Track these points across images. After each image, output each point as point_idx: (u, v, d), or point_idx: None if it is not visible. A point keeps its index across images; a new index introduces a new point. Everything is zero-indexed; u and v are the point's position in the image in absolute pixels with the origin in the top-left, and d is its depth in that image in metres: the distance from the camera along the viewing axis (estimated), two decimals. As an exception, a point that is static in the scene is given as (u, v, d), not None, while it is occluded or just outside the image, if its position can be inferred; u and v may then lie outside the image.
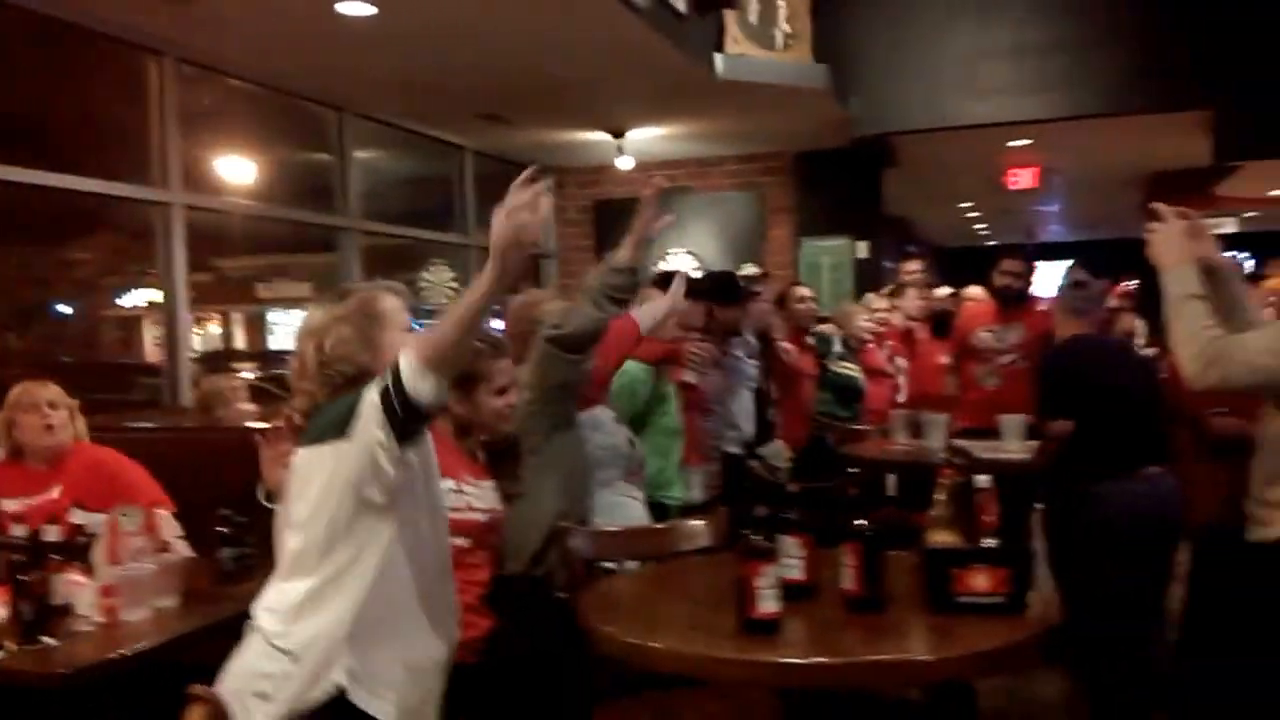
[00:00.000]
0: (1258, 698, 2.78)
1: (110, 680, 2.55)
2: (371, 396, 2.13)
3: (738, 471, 5.12)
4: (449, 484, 2.71)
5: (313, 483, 2.22)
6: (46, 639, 2.58)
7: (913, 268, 7.10)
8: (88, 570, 2.82)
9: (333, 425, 2.18)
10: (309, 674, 2.17)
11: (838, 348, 6.30)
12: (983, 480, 2.40)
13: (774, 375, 5.81)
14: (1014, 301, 5.48)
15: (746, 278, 6.55)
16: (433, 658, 2.35)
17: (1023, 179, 10.24)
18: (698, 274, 8.40)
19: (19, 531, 2.87)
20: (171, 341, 5.93)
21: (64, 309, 7.48)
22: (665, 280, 4.21)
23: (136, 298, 8.92)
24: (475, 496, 2.89)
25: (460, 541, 2.70)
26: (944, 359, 6.14)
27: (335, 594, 2.19)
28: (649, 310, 3.80)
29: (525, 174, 2.17)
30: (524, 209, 2.11)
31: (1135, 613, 4.02)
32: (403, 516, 2.25)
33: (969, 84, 7.96)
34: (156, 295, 8.56)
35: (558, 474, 3.22)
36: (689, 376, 4.39)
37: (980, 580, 2.24)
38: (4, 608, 2.66)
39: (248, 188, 6.91)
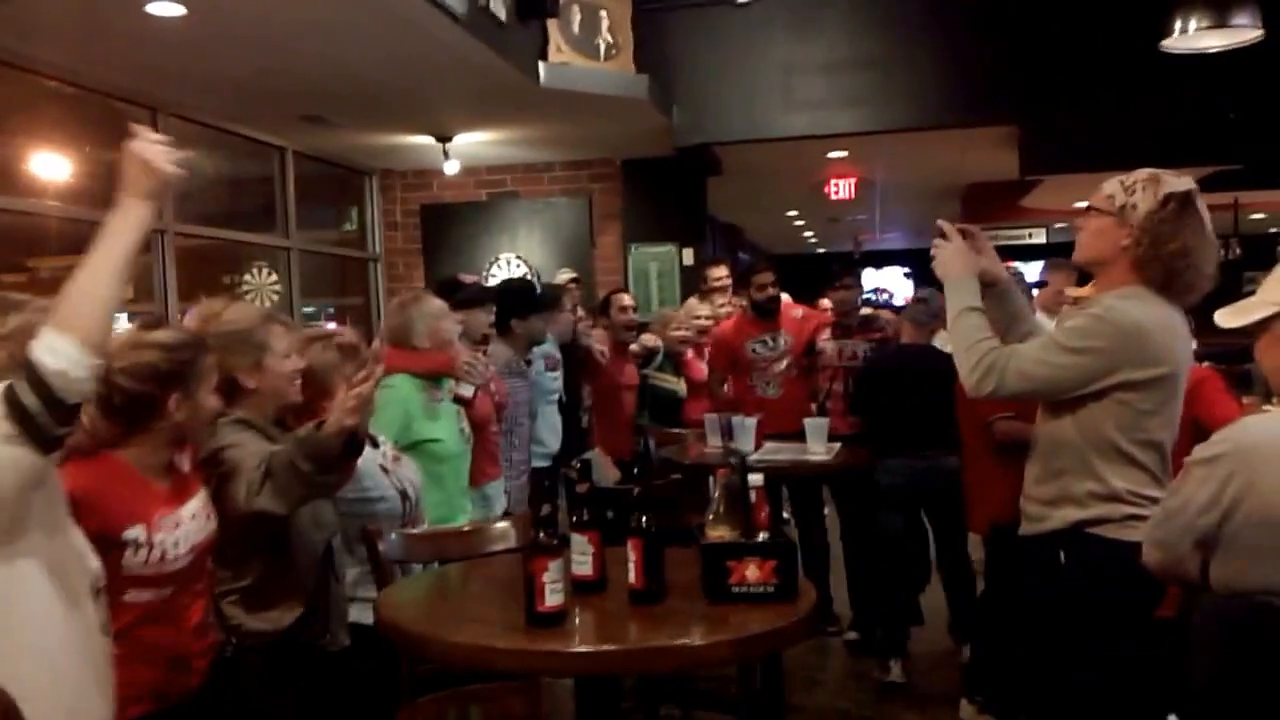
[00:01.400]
0: (1044, 676, 3.02)
1: None
2: None
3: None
4: (137, 532, 2.35)
5: None
6: None
7: (719, 273, 7.24)
8: None
9: None
10: None
11: (658, 360, 6.36)
12: (755, 479, 2.55)
13: (590, 385, 5.88)
14: (770, 313, 5.78)
15: (555, 285, 6.51)
16: (85, 709, 2.02)
17: (842, 189, 10.62)
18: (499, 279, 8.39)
19: None
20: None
21: None
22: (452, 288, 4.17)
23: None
24: (172, 541, 2.43)
25: (162, 593, 2.42)
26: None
27: None
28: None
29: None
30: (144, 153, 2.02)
31: (902, 556, 5.13)
32: (32, 549, 1.92)
33: (785, 96, 8.24)
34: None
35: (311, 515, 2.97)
36: (463, 390, 4.07)
37: (752, 571, 2.39)
38: None
39: (61, 187, 6.67)
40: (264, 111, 7.46)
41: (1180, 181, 2.66)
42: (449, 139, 8.41)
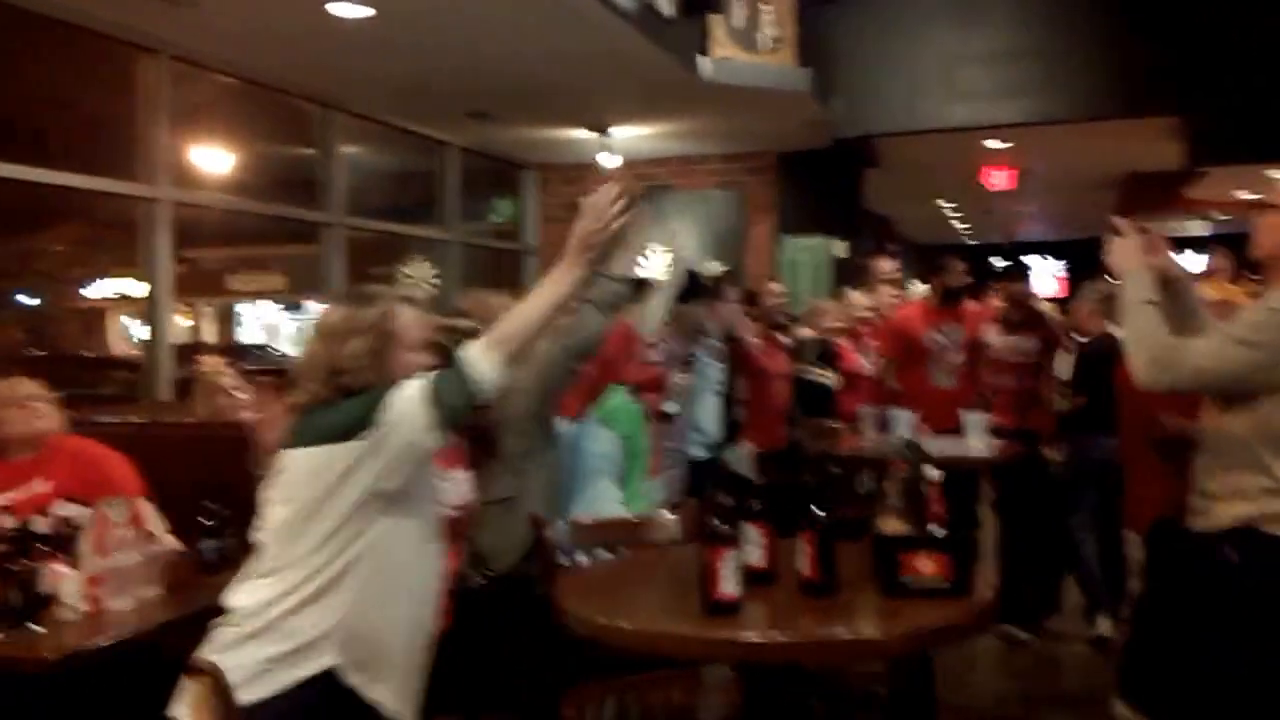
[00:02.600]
0: (1205, 676, 2.92)
1: (95, 666, 2.62)
2: (410, 394, 2.26)
3: (703, 475, 5.20)
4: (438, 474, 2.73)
5: (314, 482, 2.28)
6: (33, 626, 2.66)
7: (887, 266, 7.20)
8: (73, 561, 2.89)
9: (343, 427, 2.27)
10: (296, 657, 2.24)
11: (810, 352, 6.27)
12: (931, 473, 2.54)
13: (744, 375, 5.87)
14: (958, 301, 5.68)
15: (714, 277, 6.55)
16: (421, 646, 2.43)
17: (999, 180, 10.39)
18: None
19: (7, 523, 2.96)
20: (155, 335, 6.01)
21: (29, 300, 7.49)
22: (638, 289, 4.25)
23: (105, 289, 8.94)
24: (450, 489, 2.87)
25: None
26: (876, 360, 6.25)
27: (332, 585, 2.26)
28: (650, 312, 3.89)
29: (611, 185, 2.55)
30: (597, 214, 2.48)
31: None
32: (407, 508, 2.34)
33: (947, 87, 8.10)
34: (125, 287, 8.61)
35: (546, 478, 3.30)
36: (670, 407, 4.39)
37: (926, 565, 2.38)
38: None
39: (232, 181, 7.00)
40: (431, 108, 7.69)
41: None
42: (608, 133, 8.51)
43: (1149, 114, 8.02)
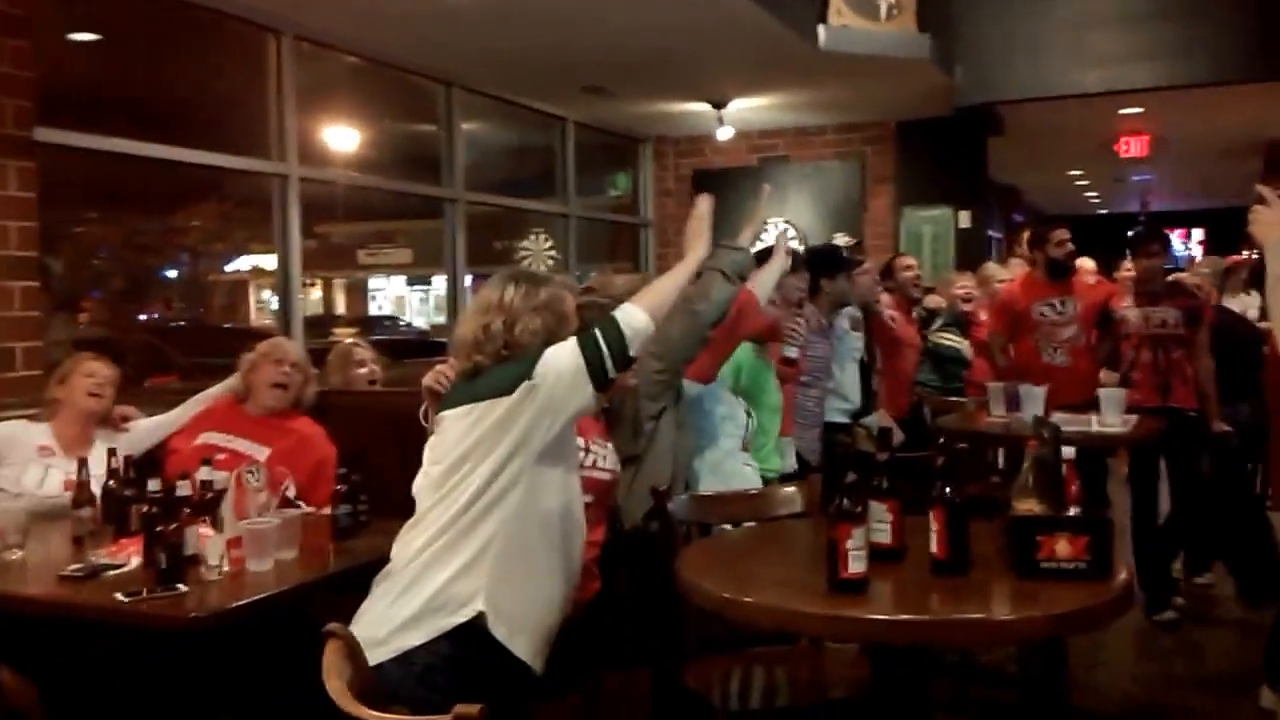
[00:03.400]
0: None
1: (235, 625, 2.69)
2: (566, 351, 2.47)
3: (843, 449, 5.23)
4: (579, 442, 2.90)
5: (468, 437, 2.45)
6: (179, 585, 2.75)
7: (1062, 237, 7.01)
8: (215, 524, 2.99)
9: (504, 384, 2.46)
10: (446, 606, 2.40)
11: (942, 320, 6.31)
12: (1068, 452, 2.46)
13: (878, 345, 5.86)
14: (1064, 273, 5.51)
15: (849, 249, 6.60)
16: (560, 602, 2.57)
17: (1134, 147, 10.02)
18: (796, 245, 8.46)
19: (153, 486, 3.08)
20: (285, 307, 6.19)
21: (172, 274, 7.81)
22: (762, 258, 4.29)
23: (243, 263, 9.25)
24: (601, 456, 3.10)
25: (586, 498, 2.86)
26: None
27: (476, 534, 2.43)
28: (762, 282, 3.97)
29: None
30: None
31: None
32: (553, 466, 2.51)
33: (1076, 52, 7.84)
34: (262, 260, 8.89)
35: (671, 440, 3.44)
36: (789, 352, 4.49)
37: (1063, 546, 2.30)
38: (138, 557, 2.90)
39: (358, 158, 7.15)
40: (548, 83, 7.72)
41: None
42: (723, 105, 8.45)
43: (1291, 77, 7.62)
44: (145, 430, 3.90)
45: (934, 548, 2.37)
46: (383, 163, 7.45)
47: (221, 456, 3.46)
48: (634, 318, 2.51)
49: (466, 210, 7.67)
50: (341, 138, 7.03)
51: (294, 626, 3.01)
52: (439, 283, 13.84)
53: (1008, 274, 6.62)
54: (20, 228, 4.35)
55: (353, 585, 2.83)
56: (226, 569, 2.88)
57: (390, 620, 2.42)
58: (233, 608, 2.63)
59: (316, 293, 16.35)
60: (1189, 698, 4.38)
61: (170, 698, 2.71)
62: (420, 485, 2.58)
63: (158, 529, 2.86)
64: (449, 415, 2.52)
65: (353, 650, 1.92)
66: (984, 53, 7.99)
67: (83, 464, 3.31)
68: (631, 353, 2.50)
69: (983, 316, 6.28)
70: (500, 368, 2.52)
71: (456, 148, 7.55)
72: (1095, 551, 2.31)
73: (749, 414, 3.96)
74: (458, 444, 2.48)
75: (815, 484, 3.39)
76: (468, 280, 7.65)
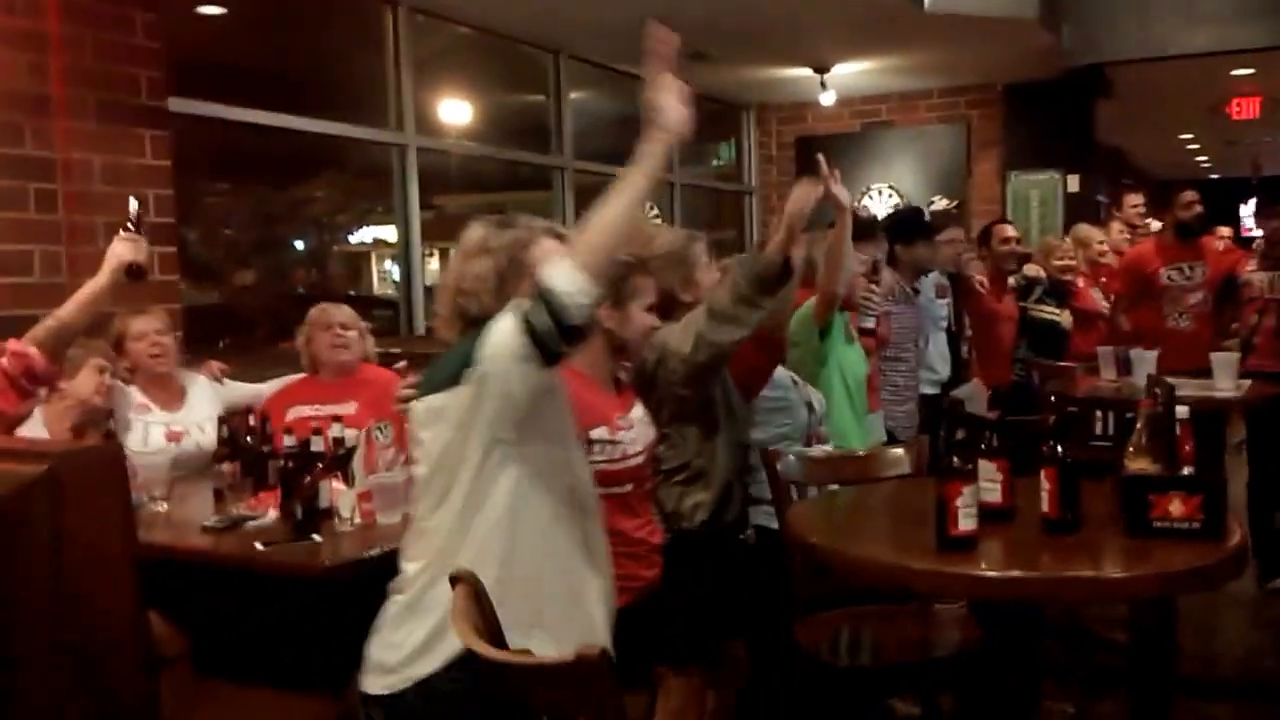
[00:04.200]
0: None
1: (368, 574, 2.85)
2: (504, 325, 2.05)
3: (935, 412, 5.17)
4: (602, 432, 2.67)
5: (437, 438, 2.18)
6: (314, 536, 2.90)
7: (1135, 201, 6.88)
8: (347, 478, 3.13)
9: (452, 371, 2.14)
10: (420, 652, 2.14)
11: (1040, 290, 6.12)
12: (1181, 412, 2.47)
13: (969, 314, 5.78)
14: (1194, 235, 5.41)
15: (937, 213, 6.45)
16: (585, 591, 2.26)
17: (1246, 109, 9.71)
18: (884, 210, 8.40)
19: (289, 441, 3.24)
20: (407, 274, 6.39)
21: (298, 244, 8.04)
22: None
23: (364, 234, 9.49)
24: (630, 439, 2.76)
25: (623, 489, 2.71)
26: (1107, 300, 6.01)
27: (475, 546, 2.14)
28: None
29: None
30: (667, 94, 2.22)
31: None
32: (539, 448, 2.18)
33: (1185, 10, 7.62)
34: (382, 232, 9.11)
35: (733, 445, 3.23)
36: (866, 322, 4.26)
37: (1176, 506, 2.32)
38: (275, 510, 3.05)
39: (470, 128, 7.30)
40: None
41: None
42: (826, 70, 8.41)
43: None
44: (237, 392, 4.07)
45: (1045, 507, 2.40)
46: (494, 133, 7.58)
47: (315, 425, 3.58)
48: (565, 281, 2.00)
49: (575, 179, 7.78)
50: (455, 108, 7.18)
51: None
52: None
53: (1104, 236, 6.45)
54: (157, 195, 4.55)
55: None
56: (358, 521, 3.01)
57: (400, 646, 2.18)
58: (365, 558, 2.74)
59: (434, 263, 16.66)
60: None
61: (305, 648, 2.84)
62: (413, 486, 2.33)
63: (293, 483, 3.00)
64: (418, 408, 2.23)
65: (479, 594, 1.95)
66: (1091, 12, 7.81)
67: (222, 422, 3.51)
68: (576, 320, 2.01)
69: (1080, 284, 6.16)
70: (456, 349, 2.21)
71: (565, 116, 7.66)
72: (1208, 512, 2.32)
73: (811, 407, 3.62)
74: (431, 443, 2.19)
75: (923, 445, 3.43)
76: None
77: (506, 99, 8.03)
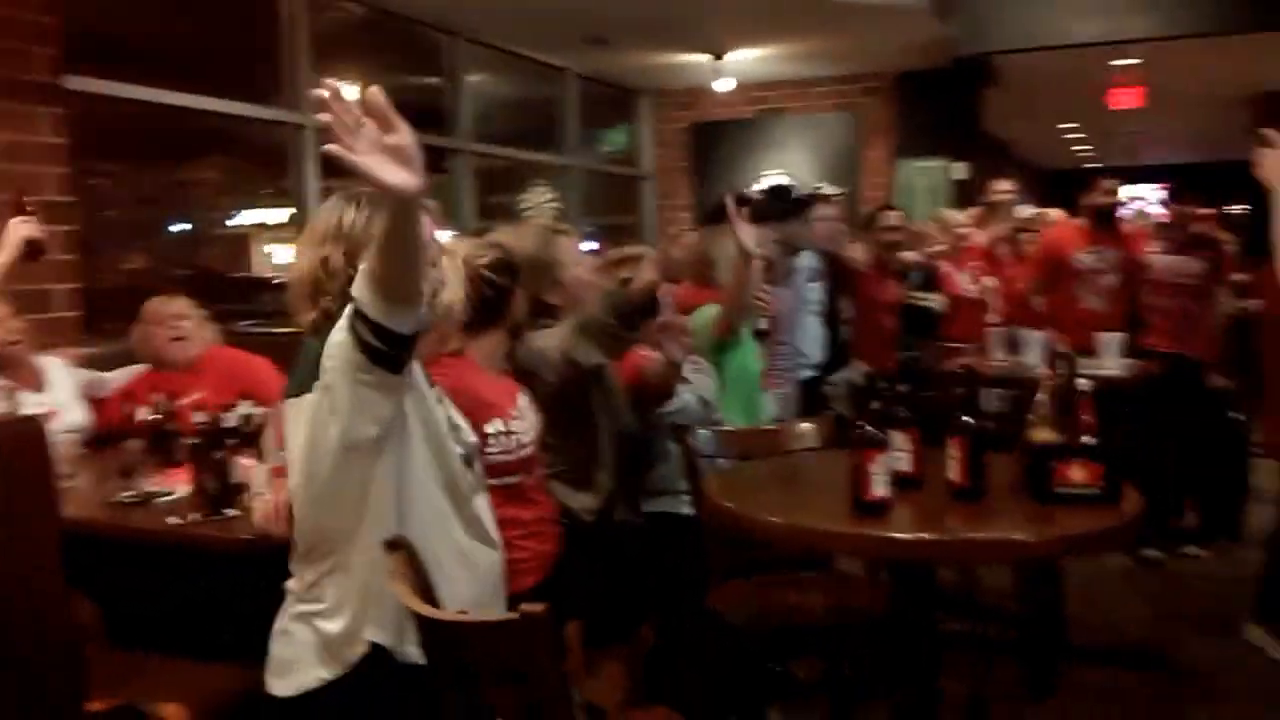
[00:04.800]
0: None
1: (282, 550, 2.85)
2: (340, 338, 1.92)
3: (813, 395, 5.25)
4: (497, 424, 2.61)
5: (296, 443, 2.07)
6: (228, 511, 2.88)
7: (1004, 187, 7.09)
8: (256, 454, 3.11)
9: (307, 375, 2.03)
10: (342, 638, 2.06)
11: (913, 277, 6.14)
12: (1083, 384, 2.58)
13: (851, 299, 5.74)
14: (1108, 222, 5.62)
15: (810, 193, 6.42)
16: (473, 595, 2.17)
17: (1126, 99, 10.06)
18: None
19: (200, 418, 3.19)
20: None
21: (187, 226, 7.87)
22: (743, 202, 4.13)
23: (248, 218, 9.33)
24: (522, 429, 2.71)
25: (515, 479, 2.68)
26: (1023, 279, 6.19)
27: (346, 551, 2.06)
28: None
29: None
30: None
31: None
32: (404, 450, 2.06)
33: (1071, 2, 7.87)
34: (265, 216, 8.95)
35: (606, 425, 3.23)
36: (761, 324, 4.29)
37: (1078, 473, 2.44)
38: (186, 485, 3.01)
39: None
40: (550, 34, 7.76)
41: None
42: (721, 56, 8.50)
43: (1287, 27, 7.69)
44: (86, 379, 4.00)
45: (953, 475, 2.50)
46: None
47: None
48: (367, 299, 1.85)
49: (473, 162, 7.74)
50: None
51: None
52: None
53: (964, 219, 6.62)
54: (57, 174, 4.44)
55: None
56: (271, 497, 3.00)
57: (308, 646, 2.11)
58: (283, 533, 2.72)
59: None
60: (1178, 635, 4.54)
61: (219, 623, 2.82)
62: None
63: (205, 458, 2.97)
64: (286, 406, 2.12)
65: (413, 557, 1.95)
66: (981, 3, 8.02)
67: (127, 398, 3.46)
68: (405, 332, 1.87)
69: (946, 269, 6.25)
70: (313, 345, 2.04)
71: (462, 99, 7.60)
72: (1108, 479, 2.44)
73: (705, 401, 3.61)
74: (293, 449, 2.09)
75: (829, 420, 3.52)
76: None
77: (402, 80, 7.94)
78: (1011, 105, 10.45)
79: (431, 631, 1.75)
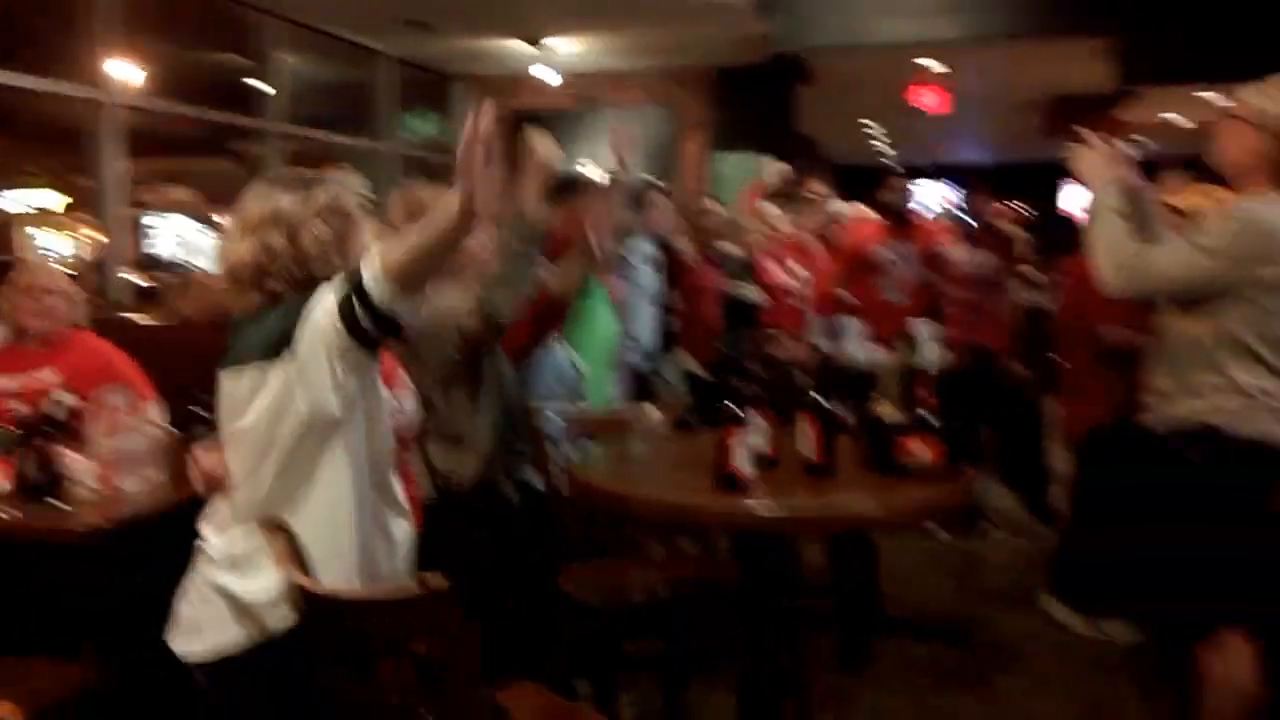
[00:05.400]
0: (1143, 571, 3.12)
1: (115, 541, 2.71)
2: (325, 306, 2.03)
3: (641, 383, 5.35)
4: (387, 394, 2.54)
5: (251, 410, 2.10)
6: (54, 502, 2.76)
7: (817, 186, 7.36)
8: (80, 446, 2.98)
9: (268, 343, 2.08)
10: (267, 604, 2.07)
11: (735, 266, 6.37)
12: (926, 364, 2.73)
13: (678, 287, 5.85)
14: (902, 218, 5.92)
15: (647, 183, 6.54)
16: (393, 567, 2.27)
17: (929, 99, 10.55)
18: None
19: (18, 408, 3.02)
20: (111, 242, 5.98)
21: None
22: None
23: (14, 200, 8.86)
24: (409, 406, 2.80)
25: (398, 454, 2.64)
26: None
27: (293, 506, 2.11)
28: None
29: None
30: (471, 140, 1.99)
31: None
32: (355, 426, 2.15)
33: (883, 3, 8.23)
34: (34, 198, 8.50)
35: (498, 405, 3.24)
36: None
37: (919, 448, 2.58)
38: (7, 480, 2.85)
39: (172, 88, 6.88)
40: (368, 16, 7.60)
41: None
42: (541, 45, 8.50)
43: (1083, 33, 8.18)
44: None
45: (807, 452, 2.60)
46: (191, 94, 7.17)
47: (13, 403, 3.37)
48: (379, 286, 2.00)
49: (284, 145, 7.52)
50: (155, 67, 6.75)
51: (173, 545, 3.03)
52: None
53: (778, 212, 6.89)
54: None
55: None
56: (98, 488, 2.90)
57: (231, 603, 2.12)
58: (126, 520, 2.69)
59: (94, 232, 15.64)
60: (981, 606, 4.77)
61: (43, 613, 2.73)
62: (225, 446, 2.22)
63: (27, 450, 2.85)
64: (227, 376, 2.16)
65: (294, 539, 1.93)
66: (800, 1, 8.29)
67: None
68: (399, 319, 2.05)
69: (763, 260, 6.51)
70: (268, 318, 2.12)
71: (277, 80, 7.37)
72: (947, 453, 2.59)
73: (576, 368, 3.76)
74: (244, 415, 2.12)
75: (676, 404, 3.60)
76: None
77: (213, 58, 7.64)
78: (822, 103, 10.80)
79: (328, 608, 1.71)
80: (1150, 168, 4.06)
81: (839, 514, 2.49)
